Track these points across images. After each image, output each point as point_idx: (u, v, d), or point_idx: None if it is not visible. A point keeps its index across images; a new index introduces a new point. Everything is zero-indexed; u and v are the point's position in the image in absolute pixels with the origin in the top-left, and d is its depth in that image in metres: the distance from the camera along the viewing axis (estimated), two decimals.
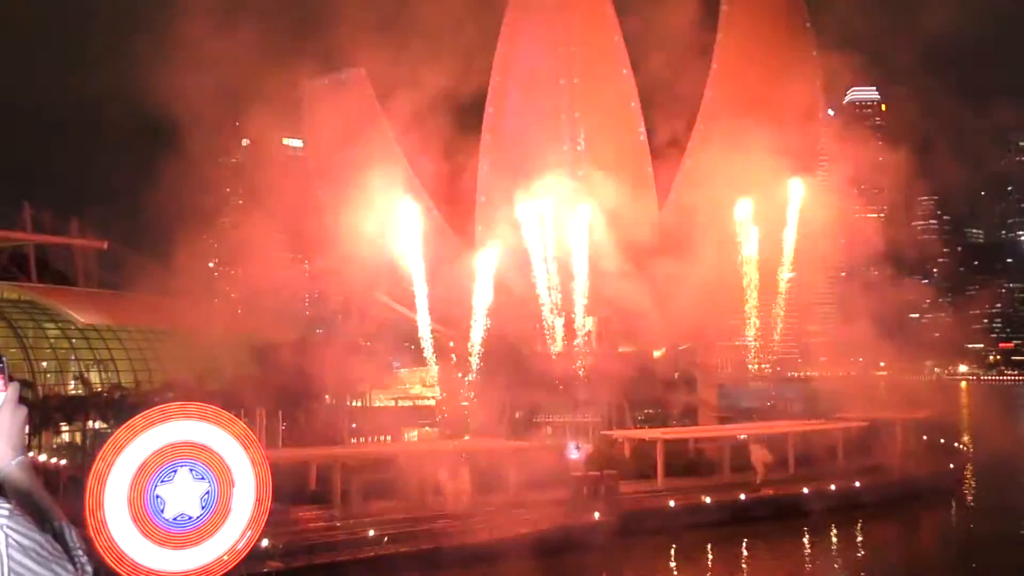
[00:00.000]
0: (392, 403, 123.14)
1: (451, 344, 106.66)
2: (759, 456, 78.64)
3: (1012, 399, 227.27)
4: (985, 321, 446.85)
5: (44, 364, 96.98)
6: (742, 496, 74.00)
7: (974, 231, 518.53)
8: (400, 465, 71.01)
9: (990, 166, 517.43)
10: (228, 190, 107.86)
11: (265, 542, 49.87)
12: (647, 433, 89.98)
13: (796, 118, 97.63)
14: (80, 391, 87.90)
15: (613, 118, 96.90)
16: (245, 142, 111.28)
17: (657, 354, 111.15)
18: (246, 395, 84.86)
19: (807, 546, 67.75)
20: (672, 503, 70.33)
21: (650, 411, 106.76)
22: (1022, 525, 72.32)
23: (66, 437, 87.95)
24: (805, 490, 75.67)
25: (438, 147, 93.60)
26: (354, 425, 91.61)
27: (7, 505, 4.23)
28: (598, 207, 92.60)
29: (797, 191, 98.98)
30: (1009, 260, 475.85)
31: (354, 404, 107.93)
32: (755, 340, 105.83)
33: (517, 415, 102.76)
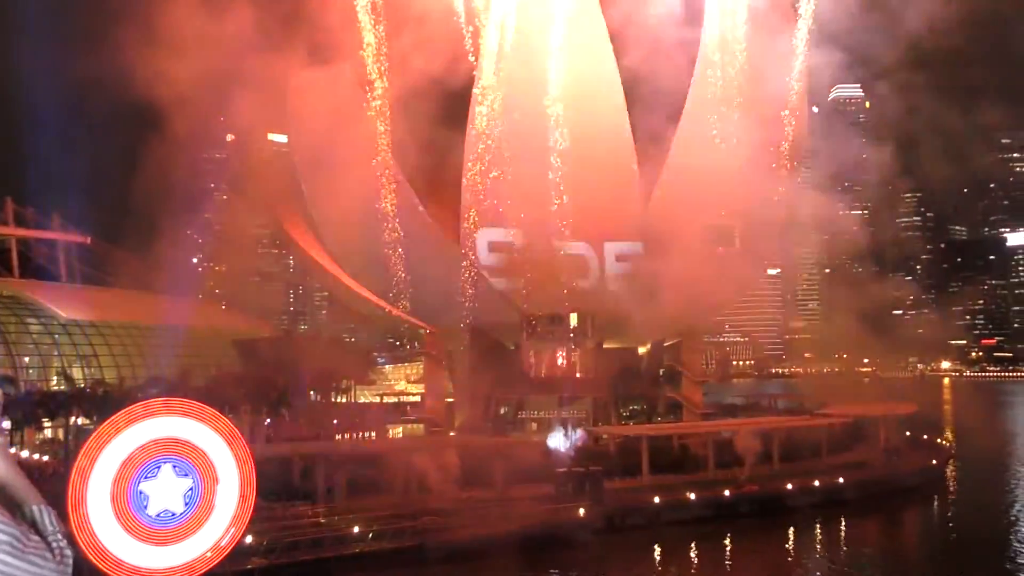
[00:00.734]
0: (377, 399, 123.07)
1: (426, 332, 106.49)
2: (747, 445, 78.86)
3: (994, 395, 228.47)
4: (968, 318, 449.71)
5: (26, 360, 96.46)
6: (726, 492, 74.21)
7: (957, 228, 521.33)
8: (385, 461, 70.93)
9: (973, 163, 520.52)
10: (212, 185, 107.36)
11: (249, 539, 49.71)
12: (632, 429, 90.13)
13: (780, 114, 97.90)
14: (63, 387, 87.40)
15: (598, 113, 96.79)
16: (230, 137, 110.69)
17: (642, 350, 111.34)
18: (230, 391, 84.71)
19: (791, 542, 67.99)
20: (657, 499, 70.46)
21: (635, 407, 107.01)
22: (1004, 521, 72.72)
23: (48, 433, 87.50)
24: (789, 486, 75.96)
25: (423, 141, 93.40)
26: (335, 421, 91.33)
27: None
28: (582, 202, 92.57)
29: (781, 185, 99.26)
30: (991, 257, 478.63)
31: (338, 400, 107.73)
32: (740, 336, 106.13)
33: (502, 411, 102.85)
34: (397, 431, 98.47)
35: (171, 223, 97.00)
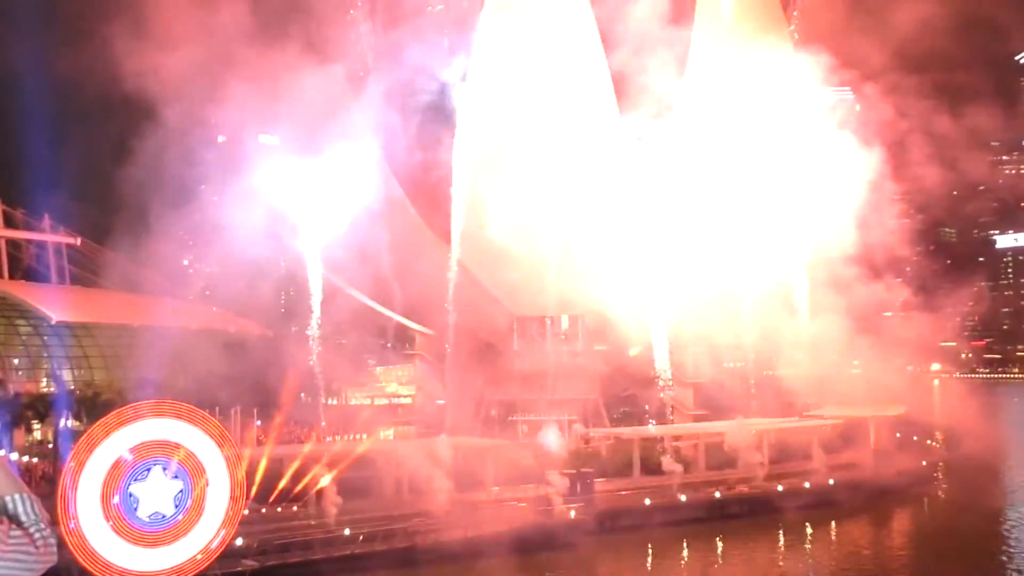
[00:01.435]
0: (368, 401, 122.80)
1: (418, 337, 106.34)
2: (741, 442, 79.08)
3: (984, 396, 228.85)
4: (958, 319, 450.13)
5: (16, 361, 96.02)
6: (717, 494, 74.33)
7: (947, 230, 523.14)
8: (376, 464, 70.86)
9: (963, 165, 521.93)
10: (203, 187, 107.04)
11: (240, 541, 49.62)
12: (623, 431, 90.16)
13: (771, 116, 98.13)
14: (52, 389, 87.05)
15: (589, 115, 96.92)
16: (221, 138, 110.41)
17: (633, 352, 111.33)
18: (220, 393, 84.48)
19: (781, 543, 68.09)
20: (648, 501, 70.51)
21: (626, 409, 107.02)
22: (993, 522, 72.97)
23: (38, 436, 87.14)
24: (780, 488, 76.12)
25: (414, 143, 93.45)
26: (323, 423, 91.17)
27: None
28: (574, 203, 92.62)
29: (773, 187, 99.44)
30: (981, 259, 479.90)
31: (329, 402, 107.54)
32: (730, 338, 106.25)
33: (493, 413, 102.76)
34: (388, 433, 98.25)
35: (161, 224, 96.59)
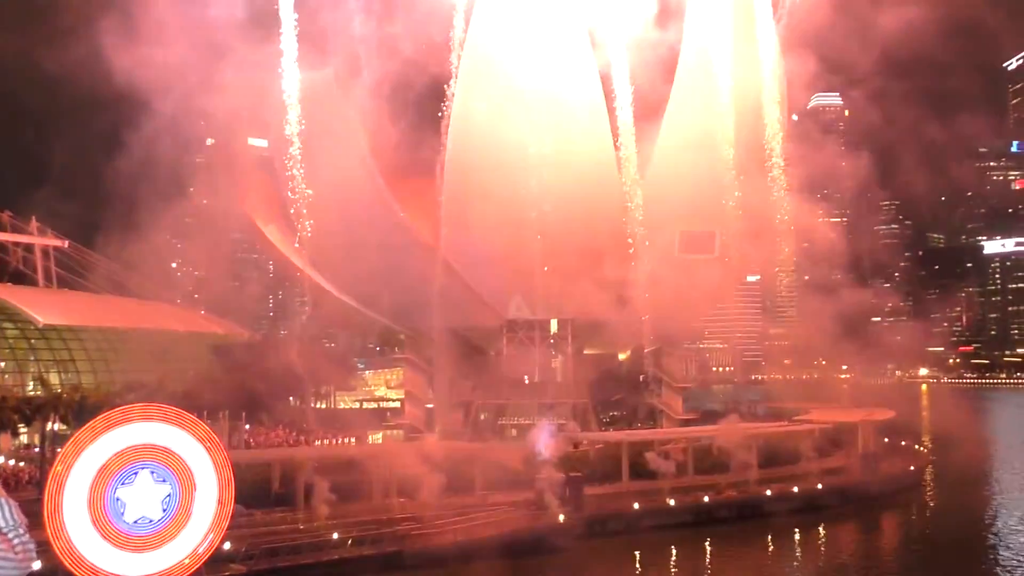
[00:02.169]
0: (357, 405, 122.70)
1: (406, 340, 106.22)
2: (732, 442, 79.28)
3: (972, 401, 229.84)
4: (945, 325, 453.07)
5: (2, 364, 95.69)
6: (706, 498, 74.40)
7: (935, 236, 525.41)
8: (364, 467, 70.72)
9: (951, 172, 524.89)
10: (192, 190, 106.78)
11: (227, 545, 49.40)
12: (612, 435, 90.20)
13: (760, 121, 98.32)
14: (39, 392, 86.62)
15: (579, 120, 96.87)
16: (210, 141, 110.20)
17: (622, 356, 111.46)
18: (209, 396, 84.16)
19: (770, 547, 68.18)
20: (637, 505, 70.55)
21: (615, 413, 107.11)
22: (980, 527, 73.22)
23: (24, 439, 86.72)
24: (768, 492, 76.27)
25: (404, 146, 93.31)
26: (311, 427, 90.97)
27: None
28: (563, 208, 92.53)
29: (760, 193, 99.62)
30: (969, 264, 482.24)
31: (318, 406, 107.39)
32: (719, 343, 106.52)
33: (482, 416, 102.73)
34: (377, 437, 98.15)
35: (149, 227, 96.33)
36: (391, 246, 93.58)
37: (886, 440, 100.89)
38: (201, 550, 47.11)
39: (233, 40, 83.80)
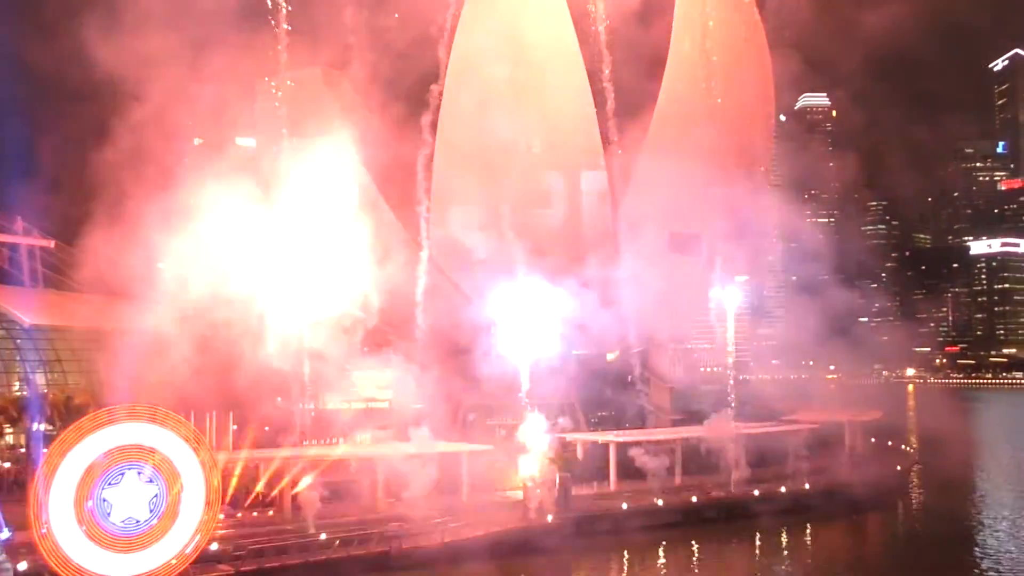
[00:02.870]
0: (345, 405, 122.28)
1: (395, 341, 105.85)
2: (722, 437, 79.52)
3: (958, 401, 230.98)
4: (932, 325, 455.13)
5: None
6: (694, 499, 74.53)
7: (922, 236, 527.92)
8: (352, 468, 70.55)
9: (937, 172, 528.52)
10: (180, 189, 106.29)
11: (214, 545, 49.27)
12: (600, 436, 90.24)
13: (749, 122, 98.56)
14: (25, 392, 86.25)
15: (568, 121, 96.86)
16: (197, 141, 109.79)
17: (611, 357, 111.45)
18: (196, 397, 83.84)
19: (757, 548, 68.31)
20: (625, 505, 70.62)
21: (603, 413, 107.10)
22: (966, 526, 73.56)
23: (10, 440, 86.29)
24: (756, 492, 76.44)
25: (393, 145, 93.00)
26: (299, 427, 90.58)
27: None
28: (552, 208, 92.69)
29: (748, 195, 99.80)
30: (955, 265, 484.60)
31: (306, 406, 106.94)
32: (708, 343, 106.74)
33: (470, 417, 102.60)
34: (365, 437, 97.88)
35: (137, 226, 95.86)
36: (379, 244, 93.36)
37: (873, 440, 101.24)
38: (188, 551, 46.92)
39: (222, 37, 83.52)
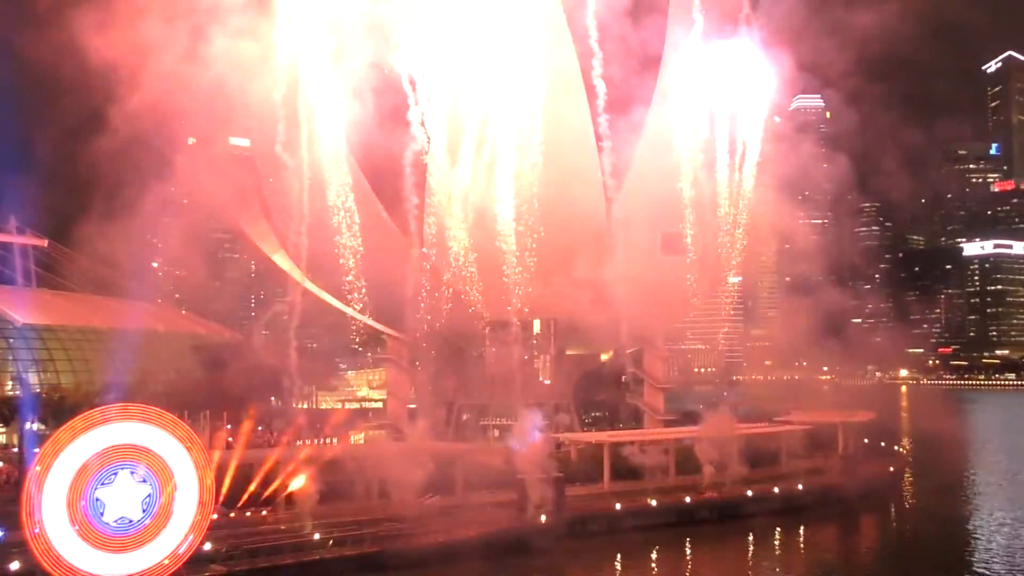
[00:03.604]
0: (339, 405, 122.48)
1: (388, 338, 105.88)
2: (707, 457, 79.33)
3: (950, 403, 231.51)
4: (925, 326, 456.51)
5: None
6: (687, 499, 74.61)
7: (915, 238, 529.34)
8: (346, 468, 70.49)
9: (931, 174, 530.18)
10: (173, 189, 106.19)
11: (208, 545, 49.21)
12: (593, 436, 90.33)
13: (740, 123, 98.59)
14: (18, 392, 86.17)
15: (562, 120, 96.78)
16: (191, 140, 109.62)
17: (604, 357, 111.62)
18: (190, 397, 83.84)
19: (751, 548, 68.39)
20: (618, 506, 70.69)
21: (597, 414, 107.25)
22: (959, 527, 73.73)
23: (3, 439, 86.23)
24: (749, 493, 76.58)
25: (387, 146, 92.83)
26: (293, 427, 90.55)
27: None
28: (545, 209, 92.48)
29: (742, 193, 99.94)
30: (948, 266, 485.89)
31: (300, 406, 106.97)
32: (701, 344, 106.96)
33: (465, 417, 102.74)
34: (359, 437, 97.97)
35: (130, 226, 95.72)
36: (373, 245, 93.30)
37: (866, 441, 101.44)
38: (181, 551, 46.85)
39: (214, 34, 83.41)
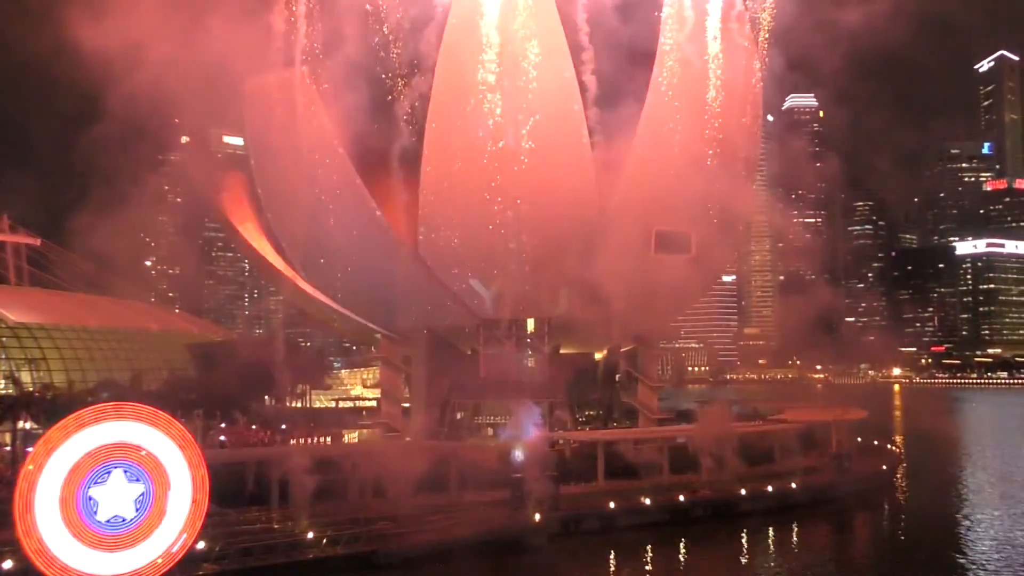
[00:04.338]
0: (332, 404, 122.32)
1: (382, 337, 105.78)
2: (704, 449, 79.53)
3: (943, 401, 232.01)
4: (918, 325, 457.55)
5: None
6: (681, 497, 74.66)
7: (908, 237, 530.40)
8: (340, 466, 70.45)
9: (923, 173, 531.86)
10: (167, 188, 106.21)
11: (201, 544, 49.13)
12: (588, 435, 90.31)
13: (735, 122, 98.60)
14: (11, 391, 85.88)
15: (556, 120, 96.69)
16: (184, 139, 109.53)
17: (598, 356, 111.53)
18: (183, 395, 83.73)
19: (744, 546, 68.49)
20: (612, 504, 70.71)
21: (591, 412, 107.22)
22: (951, 525, 73.85)
23: None
24: (743, 491, 76.67)
25: (382, 146, 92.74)
26: (283, 427, 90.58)
27: None
28: (540, 208, 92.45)
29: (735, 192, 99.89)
30: (941, 265, 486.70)
31: (294, 405, 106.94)
32: (695, 343, 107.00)
33: (459, 415, 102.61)
34: (353, 436, 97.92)
35: (124, 225, 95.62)
36: (367, 243, 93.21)
37: (859, 440, 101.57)
38: (175, 549, 46.77)
39: (209, 33, 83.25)
